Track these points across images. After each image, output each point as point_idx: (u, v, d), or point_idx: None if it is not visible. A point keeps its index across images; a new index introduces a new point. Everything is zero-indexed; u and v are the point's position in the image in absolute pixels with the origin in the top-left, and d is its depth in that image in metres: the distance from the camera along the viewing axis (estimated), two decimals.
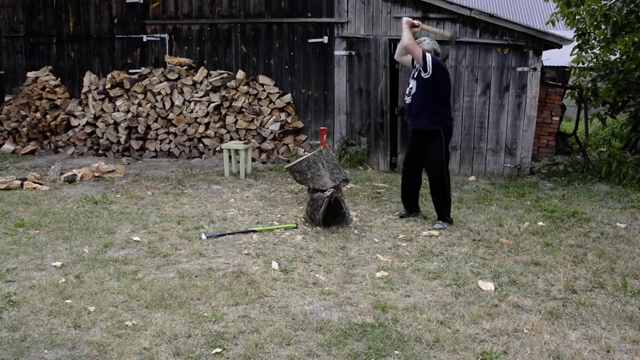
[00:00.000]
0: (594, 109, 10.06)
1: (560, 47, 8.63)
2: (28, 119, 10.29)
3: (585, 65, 9.80)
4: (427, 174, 6.02)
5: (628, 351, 3.41)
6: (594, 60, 9.71)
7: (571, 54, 9.79)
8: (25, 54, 10.63)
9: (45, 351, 3.34)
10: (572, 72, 10.18)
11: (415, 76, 5.88)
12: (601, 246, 5.34)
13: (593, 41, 9.56)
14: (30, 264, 4.75)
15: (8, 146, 10.36)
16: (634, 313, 3.90)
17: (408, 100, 5.95)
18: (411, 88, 5.91)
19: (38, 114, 10.26)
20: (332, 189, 5.78)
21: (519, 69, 8.60)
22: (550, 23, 9.67)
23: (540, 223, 6.10)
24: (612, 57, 9.44)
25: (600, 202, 7.13)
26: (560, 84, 9.27)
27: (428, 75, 5.69)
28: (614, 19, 8.50)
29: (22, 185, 7.48)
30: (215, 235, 5.50)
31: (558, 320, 3.80)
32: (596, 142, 11.93)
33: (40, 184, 7.61)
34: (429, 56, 5.69)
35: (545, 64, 9.49)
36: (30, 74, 10.37)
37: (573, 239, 5.57)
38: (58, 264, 4.72)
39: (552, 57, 10.51)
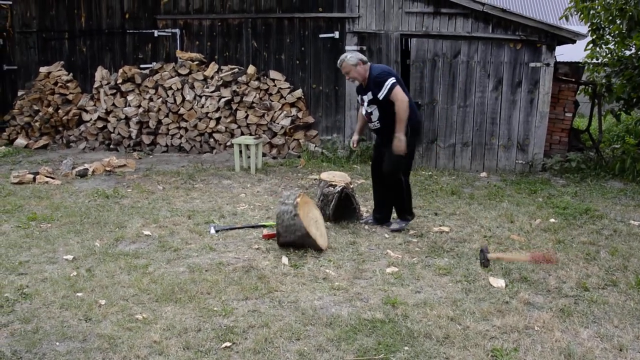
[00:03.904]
0: (608, 105, 9.95)
1: (573, 42, 8.53)
2: (40, 113, 10.36)
3: (600, 60, 9.69)
4: (383, 167, 5.47)
5: None
6: (609, 55, 9.59)
7: (585, 50, 9.68)
8: (38, 49, 10.71)
9: (57, 343, 3.36)
10: (586, 67, 10.07)
11: (369, 101, 5.30)
12: (614, 244, 5.29)
13: (608, 36, 9.44)
14: (42, 257, 4.78)
15: (21, 141, 10.44)
16: None
17: (376, 125, 5.39)
18: (371, 113, 5.34)
19: (50, 109, 10.32)
20: (343, 184, 5.76)
21: (532, 64, 8.52)
22: (563, 18, 9.56)
23: (552, 220, 6.04)
24: (627, 53, 9.32)
25: (613, 200, 7.05)
26: (573, 80, 9.17)
27: (383, 95, 5.17)
28: (630, 14, 8.38)
29: (34, 179, 7.54)
30: (224, 229, 5.51)
31: (569, 317, 3.76)
32: (610, 139, 11.80)
33: (53, 178, 7.67)
34: (387, 88, 5.12)
35: (558, 60, 9.39)
36: (43, 69, 10.44)
37: (585, 236, 5.52)
38: (70, 257, 4.75)
39: (566, 53, 10.40)
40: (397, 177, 5.40)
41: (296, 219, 4.77)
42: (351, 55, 5.28)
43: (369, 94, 5.27)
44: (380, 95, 5.16)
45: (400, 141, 5.15)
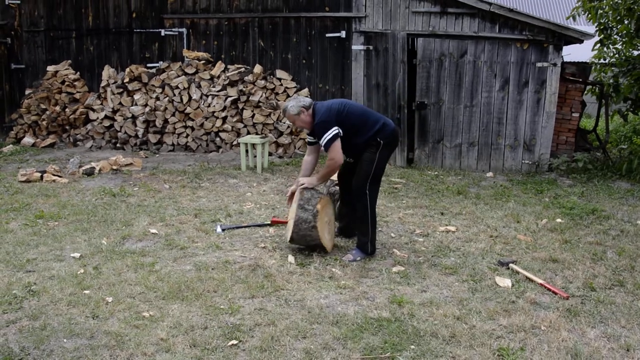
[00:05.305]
0: (615, 106, 9.90)
1: (581, 42, 8.50)
2: (48, 112, 10.41)
3: (607, 60, 9.64)
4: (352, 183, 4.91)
5: None
6: (616, 55, 9.54)
7: (592, 50, 9.64)
8: (45, 48, 10.75)
9: (65, 340, 3.38)
10: (593, 67, 10.03)
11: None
12: (621, 244, 5.27)
13: (615, 36, 9.39)
14: (49, 254, 4.81)
15: (28, 139, 10.49)
16: None
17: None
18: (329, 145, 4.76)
19: (57, 108, 10.37)
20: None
21: (539, 64, 8.50)
22: (571, 18, 9.52)
23: (559, 220, 6.03)
24: (635, 53, 9.27)
25: (620, 200, 7.02)
26: (580, 80, 9.14)
27: (324, 142, 4.69)
28: (639, 13, 8.34)
29: (41, 177, 7.57)
30: (230, 228, 5.52)
31: (576, 317, 3.75)
32: (617, 139, 11.74)
33: (60, 177, 7.70)
34: (328, 137, 4.63)
35: (565, 60, 9.35)
36: (50, 68, 10.48)
37: (592, 236, 5.50)
38: (77, 255, 4.78)
39: (573, 53, 10.37)
40: (366, 187, 4.75)
41: (313, 231, 4.67)
42: (292, 105, 4.73)
43: (317, 137, 4.82)
44: (322, 141, 4.66)
45: (304, 184, 4.83)
